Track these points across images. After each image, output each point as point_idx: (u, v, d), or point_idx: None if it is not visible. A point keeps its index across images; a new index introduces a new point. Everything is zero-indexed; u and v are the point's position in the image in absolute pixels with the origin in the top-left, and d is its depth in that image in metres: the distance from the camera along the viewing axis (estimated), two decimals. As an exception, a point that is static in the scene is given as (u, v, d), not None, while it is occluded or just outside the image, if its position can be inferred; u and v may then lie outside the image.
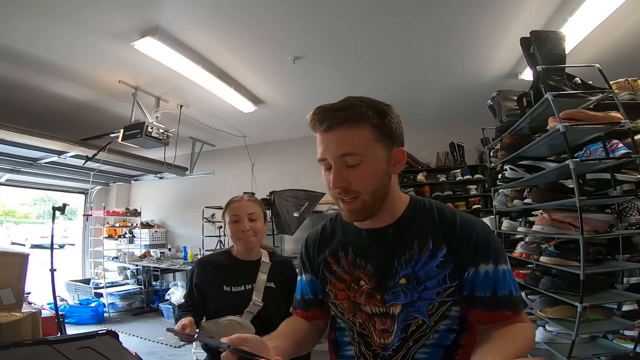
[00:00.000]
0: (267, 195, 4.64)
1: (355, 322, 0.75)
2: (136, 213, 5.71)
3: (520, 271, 2.17)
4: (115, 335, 0.88)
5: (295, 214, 4.13)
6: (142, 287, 5.25)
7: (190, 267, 5.16)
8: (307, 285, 0.86)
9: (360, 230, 0.77)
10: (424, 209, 0.75)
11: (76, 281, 5.29)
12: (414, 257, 0.70)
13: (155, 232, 5.76)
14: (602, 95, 1.83)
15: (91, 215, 5.55)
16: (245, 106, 3.63)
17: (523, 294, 2.08)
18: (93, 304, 4.61)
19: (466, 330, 0.73)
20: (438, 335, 0.71)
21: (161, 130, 3.38)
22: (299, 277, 0.90)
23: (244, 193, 5.27)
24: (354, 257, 0.76)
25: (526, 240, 2.17)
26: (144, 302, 5.16)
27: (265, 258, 1.34)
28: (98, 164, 4.00)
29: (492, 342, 0.65)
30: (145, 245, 5.57)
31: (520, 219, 2.37)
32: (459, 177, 4.19)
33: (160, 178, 5.36)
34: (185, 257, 5.26)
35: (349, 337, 0.78)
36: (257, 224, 1.30)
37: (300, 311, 0.88)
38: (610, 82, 1.87)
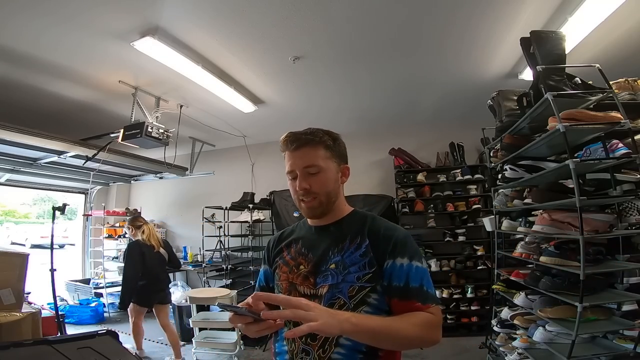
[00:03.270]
0: (267, 195, 4.64)
1: None
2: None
3: (520, 271, 2.17)
4: (115, 335, 0.88)
5: (295, 214, 4.13)
6: (142, 287, 5.24)
7: (191, 266, 5.17)
8: (263, 274, 1.05)
9: (310, 228, 0.98)
10: (361, 217, 0.95)
11: (76, 281, 5.29)
12: (345, 248, 0.88)
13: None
14: (602, 95, 1.83)
15: (91, 215, 5.55)
16: (245, 106, 3.63)
17: (523, 294, 2.09)
18: (93, 304, 4.62)
19: None
20: None
21: (161, 130, 3.38)
22: (261, 268, 1.07)
23: (244, 193, 5.22)
24: (301, 247, 0.95)
25: (526, 240, 2.17)
26: (144, 302, 5.15)
27: None
28: (98, 164, 3.99)
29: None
30: (145, 245, 5.56)
31: (520, 219, 2.37)
32: (459, 177, 4.18)
33: (160, 178, 5.36)
34: (185, 257, 5.26)
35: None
36: None
37: None
38: (610, 82, 1.87)
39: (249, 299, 0.77)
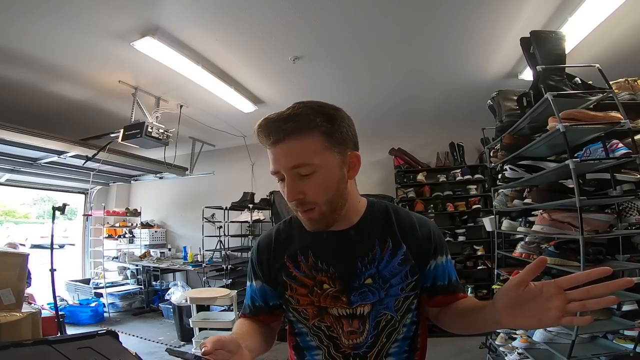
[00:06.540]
0: (267, 195, 4.63)
1: (322, 326, 0.75)
2: (136, 213, 5.70)
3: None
4: (115, 335, 0.88)
5: (295, 214, 4.12)
6: (142, 287, 5.25)
7: (191, 266, 5.16)
8: (257, 292, 0.83)
9: (320, 233, 0.74)
10: (380, 211, 0.79)
11: (76, 281, 5.29)
12: (377, 257, 0.73)
13: (155, 232, 5.75)
14: (602, 95, 1.83)
15: (91, 215, 5.55)
16: (245, 106, 3.63)
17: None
18: (93, 304, 4.61)
19: (421, 321, 0.81)
20: (405, 329, 0.77)
21: (161, 130, 3.38)
22: (248, 284, 0.86)
23: (244, 193, 5.20)
24: (314, 261, 0.75)
25: (526, 240, 2.17)
26: (144, 302, 5.16)
27: None
28: (98, 164, 4.00)
29: (473, 301, 0.79)
30: (145, 245, 5.57)
31: (520, 219, 2.37)
32: (459, 177, 4.18)
33: (160, 178, 5.36)
34: (185, 257, 5.25)
35: (314, 341, 0.77)
36: None
37: (251, 316, 0.86)
38: (610, 82, 1.87)
39: (208, 343, 0.58)
